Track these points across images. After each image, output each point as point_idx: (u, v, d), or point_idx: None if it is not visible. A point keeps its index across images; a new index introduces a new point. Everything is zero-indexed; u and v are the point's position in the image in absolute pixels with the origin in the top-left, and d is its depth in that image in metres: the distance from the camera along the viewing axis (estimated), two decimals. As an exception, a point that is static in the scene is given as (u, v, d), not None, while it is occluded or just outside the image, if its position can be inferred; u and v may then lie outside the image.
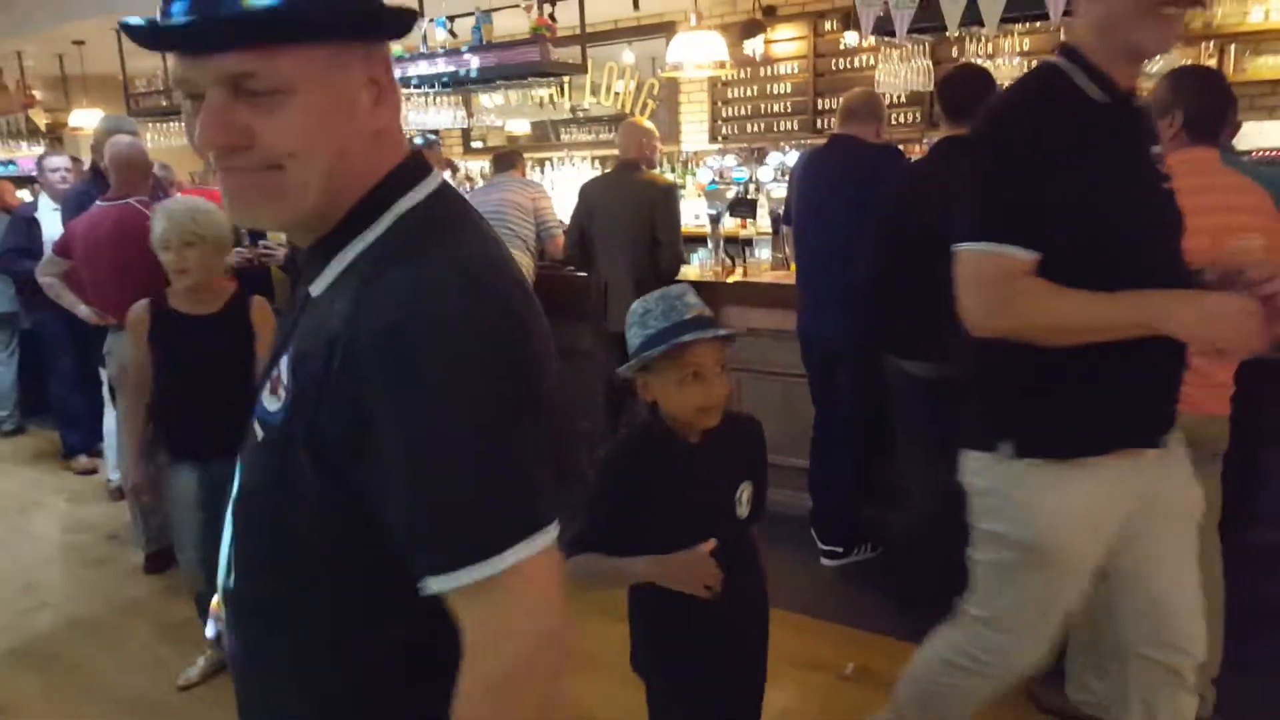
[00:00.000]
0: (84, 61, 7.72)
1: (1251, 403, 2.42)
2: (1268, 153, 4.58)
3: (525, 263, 4.11)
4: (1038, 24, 4.17)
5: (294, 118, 0.81)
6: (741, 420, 1.74)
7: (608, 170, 4.24)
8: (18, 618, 3.48)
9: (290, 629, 0.91)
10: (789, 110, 6.78)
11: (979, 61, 4.38)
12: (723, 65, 5.00)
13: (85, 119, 7.64)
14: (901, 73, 4.90)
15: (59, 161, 5.20)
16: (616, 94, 7.34)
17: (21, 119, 8.27)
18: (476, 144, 8.67)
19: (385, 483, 0.79)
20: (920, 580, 3.16)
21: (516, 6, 4.97)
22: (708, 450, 1.63)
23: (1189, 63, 4.05)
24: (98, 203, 3.77)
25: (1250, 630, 2.48)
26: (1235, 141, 3.02)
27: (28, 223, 4.98)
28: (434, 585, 0.79)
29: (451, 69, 4.71)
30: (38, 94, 8.45)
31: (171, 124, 7.04)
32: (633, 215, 3.90)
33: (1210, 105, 2.33)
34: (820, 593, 3.33)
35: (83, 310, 3.86)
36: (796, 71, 6.69)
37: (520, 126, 8.24)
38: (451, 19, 5.13)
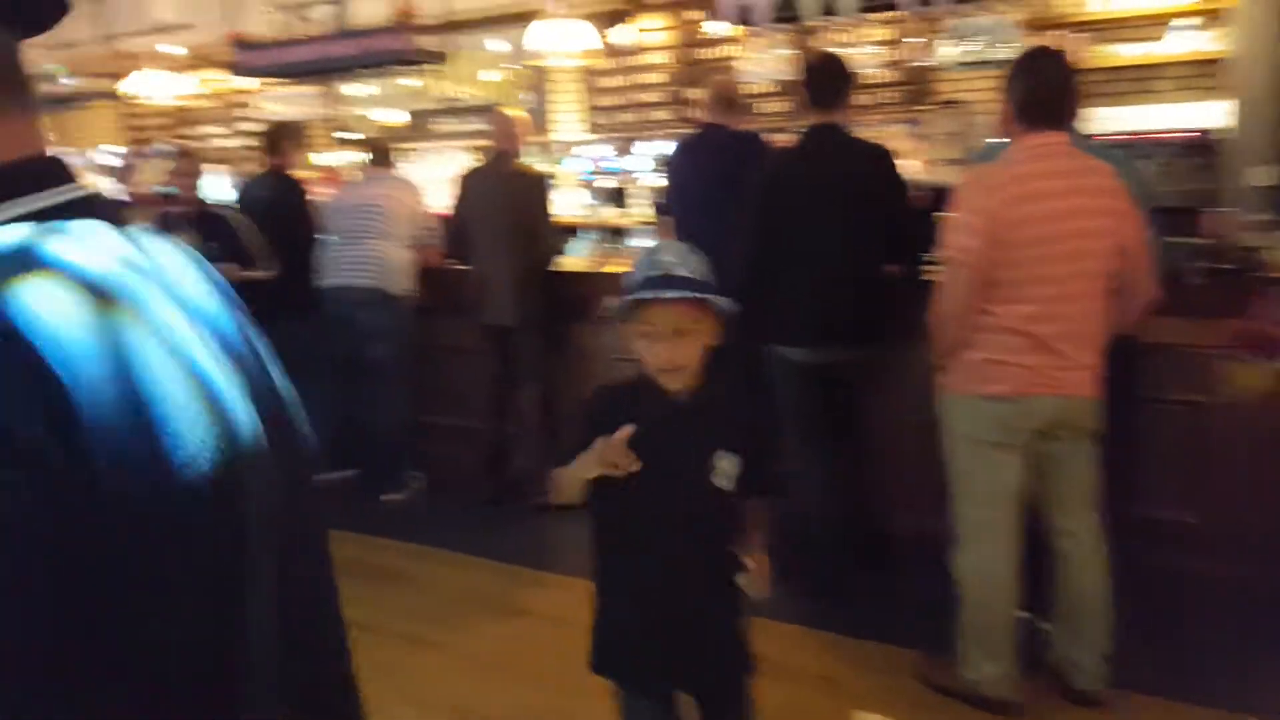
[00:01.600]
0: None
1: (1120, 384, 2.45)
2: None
3: (405, 257, 4.07)
4: (892, 14, 4.32)
5: None
6: (739, 391, 1.73)
7: (482, 161, 4.18)
8: None
9: None
10: (659, 100, 6.81)
11: (838, 50, 4.52)
12: (594, 54, 4.98)
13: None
14: (765, 62, 5.00)
15: None
16: (486, 83, 7.22)
17: None
18: (347, 135, 8.36)
19: None
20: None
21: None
22: (687, 410, 1.63)
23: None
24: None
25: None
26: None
27: None
28: None
29: (309, 57, 4.55)
30: None
31: None
32: (506, 206, 3.85)
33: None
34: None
35: None
36: (664, 61, 6.74)
37: (398, 117, 7.97)
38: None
